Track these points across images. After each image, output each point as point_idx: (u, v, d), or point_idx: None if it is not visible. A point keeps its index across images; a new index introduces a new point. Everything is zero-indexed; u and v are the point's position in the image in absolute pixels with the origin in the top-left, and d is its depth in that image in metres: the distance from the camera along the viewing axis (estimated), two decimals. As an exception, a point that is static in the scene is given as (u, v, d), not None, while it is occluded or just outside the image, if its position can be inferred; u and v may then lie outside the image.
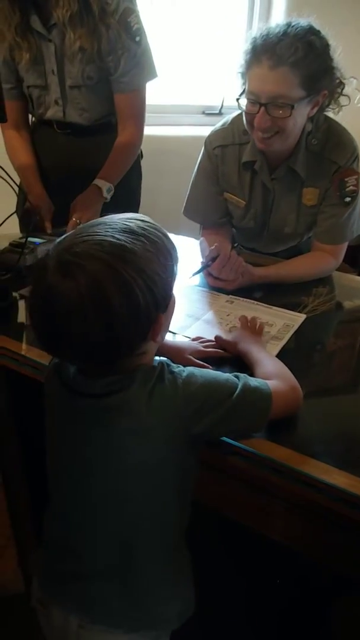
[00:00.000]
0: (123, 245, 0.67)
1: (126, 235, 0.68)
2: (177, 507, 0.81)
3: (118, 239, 0.67)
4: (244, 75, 1.22)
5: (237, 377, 0.80)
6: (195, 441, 0.77)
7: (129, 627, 0.82)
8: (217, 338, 1.04)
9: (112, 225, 0.69)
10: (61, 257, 0.66)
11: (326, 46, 1.16)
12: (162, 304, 0.72)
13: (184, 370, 0.76)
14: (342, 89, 1.21)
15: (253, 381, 0.80)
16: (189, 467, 0.80)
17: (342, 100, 1.23)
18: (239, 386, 0.77)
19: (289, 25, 1.14)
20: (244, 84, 1.23)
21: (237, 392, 0.76)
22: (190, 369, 0.77)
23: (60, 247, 0.68)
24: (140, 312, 0.67)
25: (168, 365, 0.76)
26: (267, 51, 1.13)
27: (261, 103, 1.17)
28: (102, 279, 0.64)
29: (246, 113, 1.23)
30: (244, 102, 1.22)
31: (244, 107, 1.23)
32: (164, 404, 0.72)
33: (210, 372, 0.79)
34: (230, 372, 0.99)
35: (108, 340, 0.67)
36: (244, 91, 1.22)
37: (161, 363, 0.76)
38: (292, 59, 1.12)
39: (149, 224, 0.72)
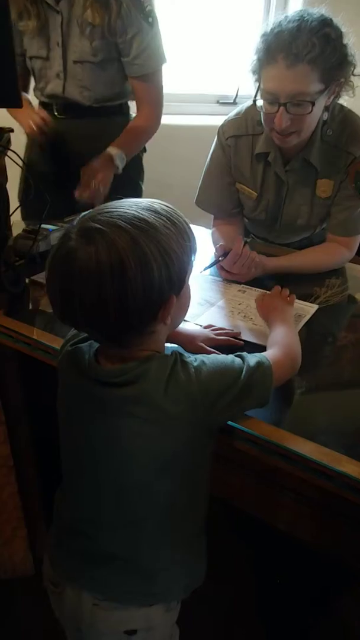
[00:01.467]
0: (145, 219, 0.68)
1: (149, 212, 0.70)
2: (190, 494, 0.82)
3: (141, 214, 0.69)
4: (256, 72, 1.19)
5: (239, 356, 0.81)
6: (210, 427, 0.78)
7: (141, 602, 0.83)
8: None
9: (136, 203, 0.71)
10: (84, 224, 0.69)
11: (340, 35, 1.13)
12: (177, 284, 0.72)
13: (195, 359, 0.77)
14: (354, 70, 1.17)
15: (252, 358, 0.81)
16: (203, 454, 0.81)
17: (355, 80, 1.19)
18: (245, 366, 0.79)
19: (301, 18, 1.10)
20: (257, 80, 1.20)
21: (244, 371, 0.78)
22: (200, 357, 0.78)
23: (85, 217, 0.70)
24: (153, 286, 0.68)
25: (181, 354, 0.77)
26: (282, 50, 1.10)
27: (280, 103, 1.15)
28: (122, 248, 0.66)
29: (265, 113, 1.21)
30: (260, 101, 1.20)
31: (261, 108, 1.20)
32: (180, 392, 0.73)
33: (217, 357, 0.80)
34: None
35: (119, 309, 0.68)
36: (258, 89, 1.19)
37: (174, 352, 0.77)
38: (310, 56, 1.08)
39: (172, 209, 0.74)
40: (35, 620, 1.35)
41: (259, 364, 0.80)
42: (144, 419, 0.74)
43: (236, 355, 0.81)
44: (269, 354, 0.85)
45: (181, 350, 0.98)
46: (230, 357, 0.81)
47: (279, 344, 0.91)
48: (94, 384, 0.76)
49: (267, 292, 1.13)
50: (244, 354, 0.82)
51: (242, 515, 1.39)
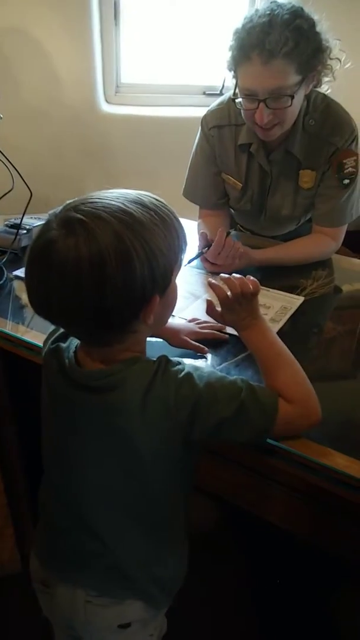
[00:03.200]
0: (131, 213, 0.65)
1: (137, 205, 0.66)
2: (170, 497, 0.81)
3: (128, 207, 0.65)
4: (232, 69, 1.17)
5: (245, 382, 0.74)
6: (187, 440, 0.74)
7: (133, 596, 0.83)
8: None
9: (124, 195, 0.68)
10: (67, 214, 0.65)
11: (313, 25, 1.10)
12: (161, 283, 0.69)
13: (182, 370, 0.72)
14: (330, 53, 1.15)
15: (260, 393, 0.74)
16: (183, 463, 0.79)
17: (333, 64, 1.17)
18: (242, 395, 0.72)
19: (272, 12, 1.07)
20: (234, 77, 1.18)
21: (236, 403, 0.71)
22: (190, 368, 0.73)
23: (68, 206, 0.67)
24: (135, 284, 0.65)
25: (167, 362, 0.73)
26: (255, 46, 1.07)
27: (259, 99, 1.13)
28: (103, 242, 0.62)
29: (245, 110, 1.19)
30: (239, 98, 1.18)
31: (240, 105, 1.19)
32: (158, 404, 0.70)
33: (212, 375, 0.73)
34: (225, 353, 1.00)
35: (98, 306, 0.65)
36: (236, 86, 1.18)
37: (160, 359, 0.73)
38: (285, 50, 1.06)
39: (162, 203, 0.71)
40: (24, 617, 1.34)
41: (260, 406, 0.73)
42: (121, 427, 0.72)
43: (246, 382, 0.74)
44: (281, 403, 0.75)
45: (168, 358, 0.96)
46: (229, 380, 0.73)
47: (287, 386, 0.77)
48: (74, 387, 0.74)
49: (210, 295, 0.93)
50: (252, 386, 0.74)
51: (237, 511, 1.39)
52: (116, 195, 0.67)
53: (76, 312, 0.66)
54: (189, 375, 0.72)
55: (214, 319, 0.91)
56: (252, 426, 0.73)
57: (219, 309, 0.88)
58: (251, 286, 0.83)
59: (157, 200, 0.70)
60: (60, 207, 0.67)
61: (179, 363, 0.74)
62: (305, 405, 0.77)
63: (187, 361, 0.77)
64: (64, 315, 0.68)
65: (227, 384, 0.73)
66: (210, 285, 0.88)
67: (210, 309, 0.90)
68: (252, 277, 0.85)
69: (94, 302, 0.64)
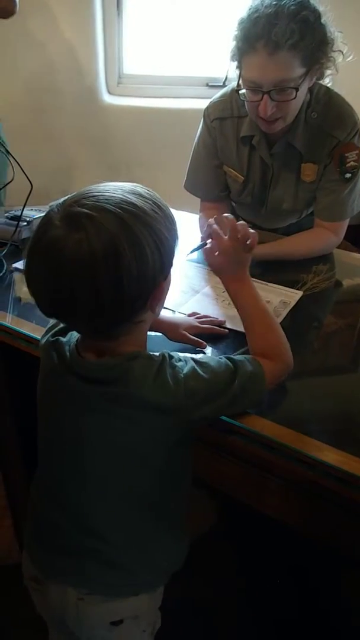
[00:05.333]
0: (134, 203, 0.65)
1: (135, 195, 0.67)
2: (171, 487, 0.82)
3: (129, 197, 0.66)
4: (237, 60, 1.16)
5: (232, 362, 0.78)
6: (194, 427, 0.77)
7: (127, 593, 0.83)
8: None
9: (120, 187, 0.68)
10: (69, 210, 0.64)
11: (318, 16, 1.09)
12: (166, 269, 0.70)
13: (185, 365, 0.75)
14: (332, 46, 1.14)
15: (247, 365, 0.78)
16: (183, 451, 0.80)
17: (336, 56, 1.15)
18: (238, 374, 0.76)
19: (278, 3, 1.06)
20: (237, 68, 1.17)
21: (236, 381, 0.76)
22: (191, 363, 0.75)
23: (67, 202, 0.65)
24: (147, 272, 0.65)
25: (170, 357, 0.74)
26: (261, 38, 1.06)
27: (264, 91, 1.12)
28: (114, 233, 0.62)
29: (249, 102, 1.18)
30: (243, 90, 1.17)
31: (244, 97, 1.18)
32: (166, 397, 0.71)
33: (209, 363, 0.76)
34: (225, 348, 1.00)
35: (114, 298, 0.64)
36: (240, 77, 1.16)
37: (163, 355, 0.74)
38: (291, 42, 1.05)
39: (154, 192, 0.71)
40: (23, 607, 1.35)
41: (252, 375, 0.77)
42: (126, 418, 0.73)
43: (229, 359, 0.78)
44: (263, 362, 0.81)
45: (170, 353, 0.96)
46: (223, 362, 0.77)
47: (269, 351, 0.84)
48: (76, 379, 0.74)
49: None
50: (238, 360, 0.78)
51: (233, 503, 1.40)
52: (113, 187, 0.67)
53: (91, 308, 0.65)
54: (194, 368, 0.74)
55: (206, 259, 0.93)
56: (252, 398, 0.79)
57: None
58: (250, 239, 0.88)
59: (148, 190, 0.71)
60: (58, 204, 0.66)
61: (180, 360, 0.75)
62: (287, 362, 0.84)
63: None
64: (77, 313, 0.67)
65: (224, 369, 0.76)
66: (209, 224, 0.94)
67: (206, 251, 0.93)
68: (252, 231, 0.89)
69: (111, 295, 0.64)
